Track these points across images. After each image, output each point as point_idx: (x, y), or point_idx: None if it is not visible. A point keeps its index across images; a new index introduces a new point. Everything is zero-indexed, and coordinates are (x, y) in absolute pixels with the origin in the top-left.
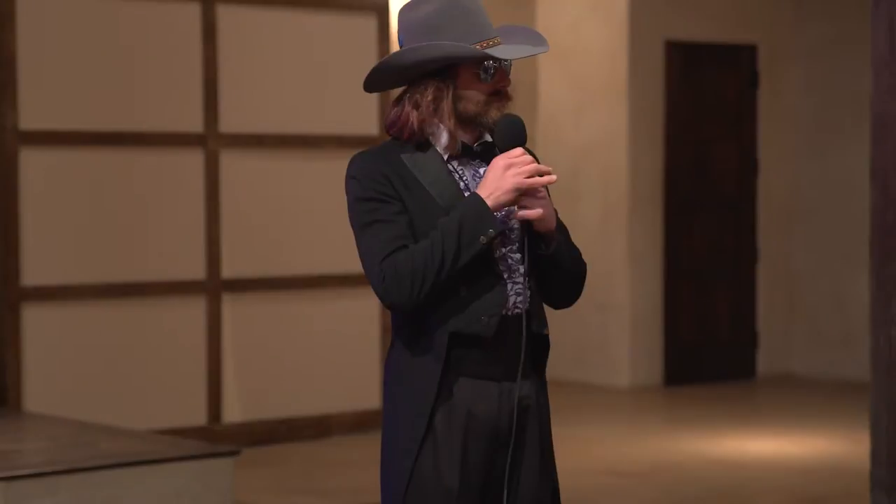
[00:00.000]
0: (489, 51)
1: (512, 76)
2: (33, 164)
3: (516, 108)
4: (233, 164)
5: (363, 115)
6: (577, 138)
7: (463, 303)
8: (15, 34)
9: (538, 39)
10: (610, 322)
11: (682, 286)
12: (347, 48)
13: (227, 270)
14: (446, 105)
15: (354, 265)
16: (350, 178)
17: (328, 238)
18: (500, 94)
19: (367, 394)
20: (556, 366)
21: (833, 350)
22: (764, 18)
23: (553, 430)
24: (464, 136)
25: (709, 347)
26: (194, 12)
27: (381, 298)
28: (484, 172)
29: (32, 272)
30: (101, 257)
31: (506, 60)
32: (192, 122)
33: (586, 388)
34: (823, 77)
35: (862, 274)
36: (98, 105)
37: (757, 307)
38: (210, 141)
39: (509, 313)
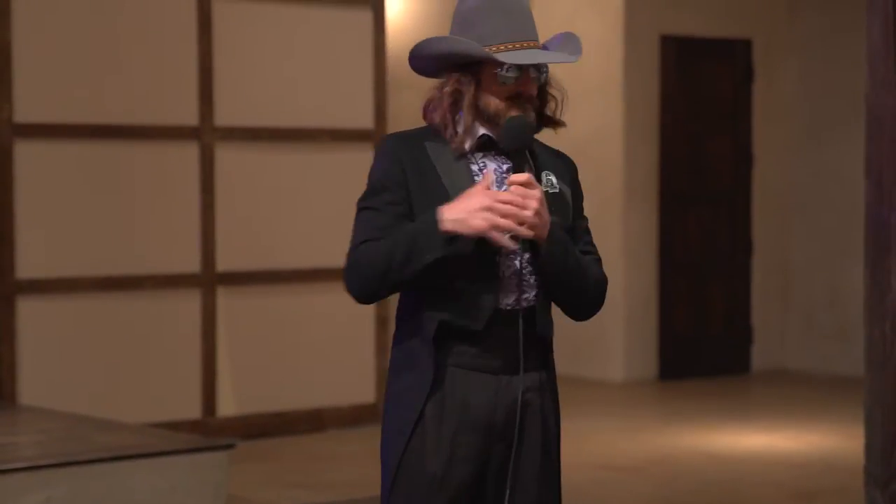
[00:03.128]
0: (498, 54)
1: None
2: (28, 157)
3: None
4: (228, 157)
5: (358, 109)
6: (572, 132)
7: (456, 295)
8: (10, 26)
9: (570, 48)
10: (604, 316)
11: (677, 280)
12: (343, 42)
13: (222, 264)
14: (466, 100)
15: None
16: (375, 156)
17: (323, 231)
18: (519, 96)
19: (361, 388)
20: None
21: (828, 345)
22: (759, 12)
23: None
24: (490, 131)
25: (703, 341)
26: (190, 5)
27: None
28: (508, 169)
29: (27, 265)
30: (95, 250)
31: (528, 65)
32: (188, 115)
33: (581, 383)
34: (818, 71)
35: (857, 268)
36: (93, 98)
37: (752, 301)
38: (205, 134)
39: (510, 308)
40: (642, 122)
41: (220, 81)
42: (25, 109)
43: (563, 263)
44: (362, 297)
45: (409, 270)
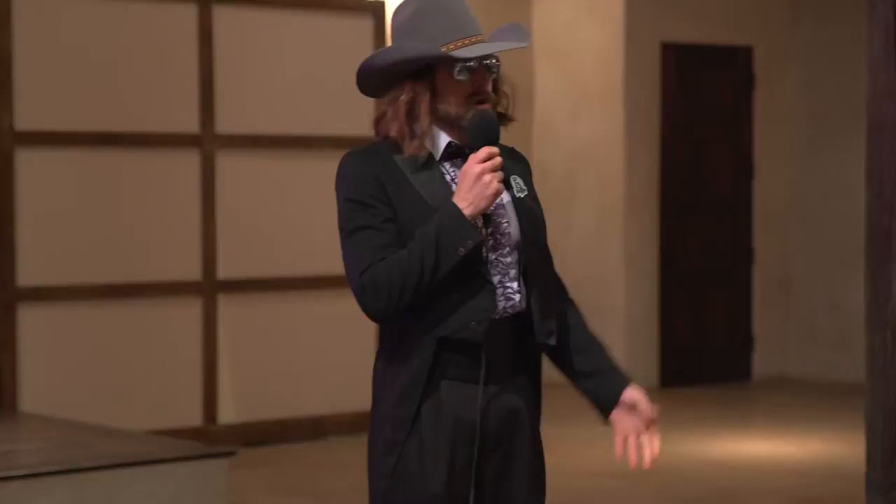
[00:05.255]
0: (454, 52)
1: (507, 79)
2: (29, 165)
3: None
4: (229, 164)
5: (359, 117)
6: (573, 140)
7: (452, 308)
8: (11, 34)
9: (517, 35)
10: (606, 324)
11: (678, 288)
12: (343, 49)
13: (223, 271)
14: (423, 107)
15: None
16: (342, 178)
17: (324, 239)
18: (477, 94)
19: (362, 395)
20: (553, 367)
21: (828, 352)
22: (760, 20)
23: (549, 431)
24: (454, 137)
25: (705, 349)
26: (191, 13)
27: (361, 308)
28: None
29: (28, 273)
30: (96, 258)
31: (488, 60)
32: (189, 122)
33: None
34: (819, 79)
35: (857, 276)
36: (94, 106)
37: (752, 309)
38: (206, 142)
39: (499, 317)
40: (643, 130)
41: (221, 89)
42: (26, 117)
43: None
44: (388, 315)
45: (440, 272)
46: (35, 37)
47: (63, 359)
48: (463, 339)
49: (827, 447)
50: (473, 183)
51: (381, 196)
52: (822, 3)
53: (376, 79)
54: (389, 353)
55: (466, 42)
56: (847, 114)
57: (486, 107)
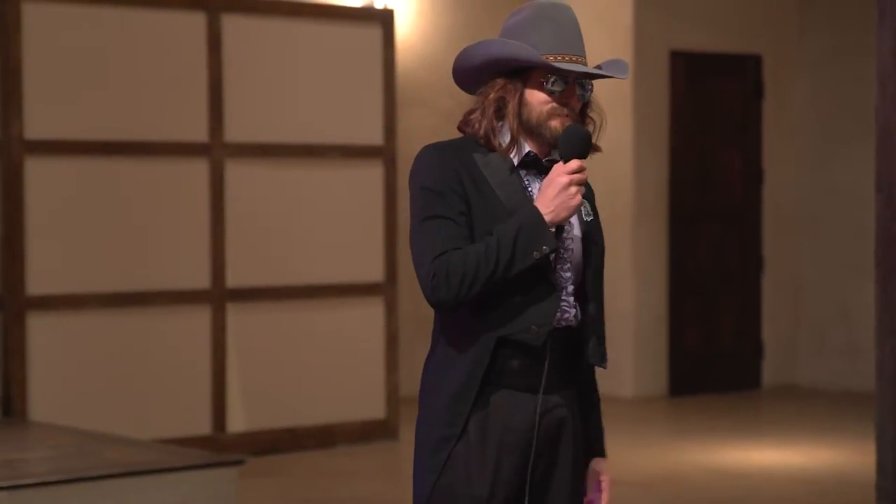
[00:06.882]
0: (555, 63)
1: None
2: (39, 174)
3: None
4: (238, 173)
5: (368, 125)
6: None
7: (515, 310)
8: (21, 44)
9: (618, 69)
10: (615, 332)
11: (687, 296)
12: (353, 58)
13: (232, 280)
14: (511, 107)
15: (359, 274)
16: (419, 167)
17: (333, 247)
18: (564, 108)
19: (371, 403)
20: None
21: (838, 360)
22: (769, 29)
23: None
24: (533, 147)
25: (714, 358)
26: (200, 22)
27: (426, 294)
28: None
29: (38, 281)
30: (106, 266)
31: (585, 80)
32: (198, 131)
33: None
34: (828, 87)
35: (867, 284)
36: (103, 114)
37: (762, 317)
38: (215, 150)
39: (555, 327)
40: (652, 138)
41: (230, 98)
42: (36, 126)
43: None
44: (454, 303)
45: (513, 270)
46: (44, 46)
47: (72, 367)
48: (522, 342)
49: (836, 455)
50: (559, 192)
51: (458, 189)
52: (830, 11)
53: (473, 71)
54: (446, 349)
55: (566, 59)
56: (856, 121)
57: (570, 117)
